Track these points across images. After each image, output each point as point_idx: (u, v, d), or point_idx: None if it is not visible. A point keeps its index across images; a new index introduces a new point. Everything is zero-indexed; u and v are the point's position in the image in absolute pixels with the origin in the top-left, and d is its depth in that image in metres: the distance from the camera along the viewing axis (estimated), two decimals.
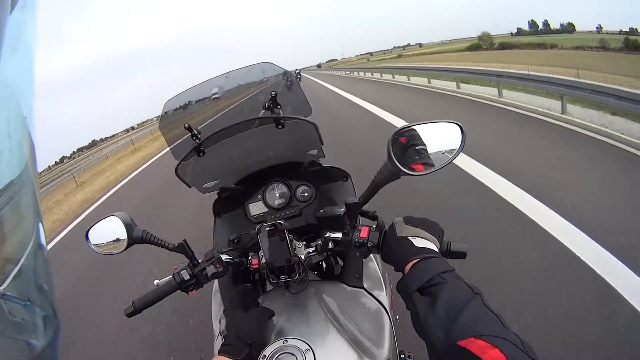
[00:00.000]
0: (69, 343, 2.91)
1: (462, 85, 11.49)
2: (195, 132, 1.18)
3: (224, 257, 1.02)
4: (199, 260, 1.00)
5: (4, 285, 0.30)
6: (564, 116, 6.34)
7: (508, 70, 9.25)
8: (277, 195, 1.31)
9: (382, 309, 1.04)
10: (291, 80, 1.48)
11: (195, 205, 4.63)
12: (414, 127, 0.78)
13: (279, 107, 1.23)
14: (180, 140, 1.25)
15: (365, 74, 27.13)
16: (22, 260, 0.31)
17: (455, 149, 0.78)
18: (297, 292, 1.02)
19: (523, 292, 2.30)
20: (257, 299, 1.00)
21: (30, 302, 0.32)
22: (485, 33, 68.19)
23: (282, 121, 1.16)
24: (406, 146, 0.78)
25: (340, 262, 1.31)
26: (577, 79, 6.85)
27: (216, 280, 1.14)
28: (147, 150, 17.33)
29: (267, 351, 0.83)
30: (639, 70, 11.56)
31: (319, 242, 1.01)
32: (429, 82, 13.78)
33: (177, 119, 1.34)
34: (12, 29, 0.28)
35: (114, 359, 2.71)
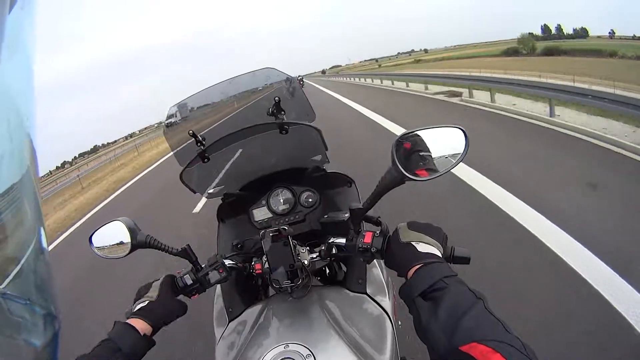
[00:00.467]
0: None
1: (506, 99, 9.09)
2: (200, 138, 1.18)
3: (227, 262, 1.02)
4: (202, 265, 1.00)
5: (5, 285, 0.30)
6: None
7: (590, 88, 6.57)
8: (282, 200, 1.31)
9: (385, 315, 1.03)
10: (295, 86, 1.49)
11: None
12: (418, 133, 0.79)
13: (282, 112, 1.23)
14: (184, 145, 1.26)
15: (373, 81, 25.17)
16: (22, 261, 0.31)
17: (459, 154, 0.79)
18: (299, 297, 1.01)
19: None
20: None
21: (30, 301, 0.32)
22: (524, 35, 57.85)
23: (286, 127, 1.16)
24: (410, 152, 0.78)
25: (344, 268, 1.31)
26: None
27: (219, 285, 1.14)
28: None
29: (268, 356, 0.82)
30: None
31: (323, 248, 1.01)
32: (471, 96, 10.50)
33: (181, 124, 1.35)
34: (11, 30, 0.28)
35: None
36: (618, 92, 6.02)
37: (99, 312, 3.51)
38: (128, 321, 0.85)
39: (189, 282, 0.98)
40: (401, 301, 0.76)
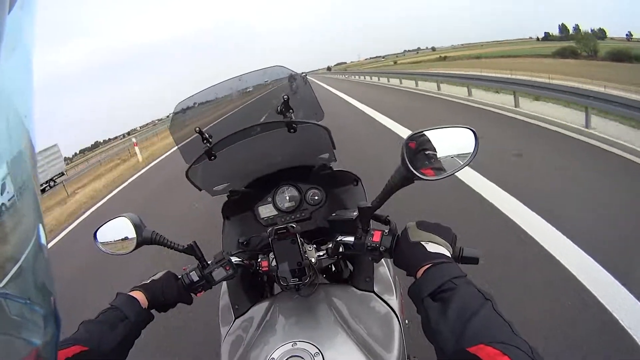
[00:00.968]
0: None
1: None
2: (206, 135, 1.18)
3: (233, 259, 1.02)
4: (208, 262, 1.00)
5: (4, 284, 0.30)
6: None
7: None
8: (287, 198, 1.31)
9: (392, 313, 1.03)
10: (304, 83, 1.48)
11: None
12: (429, 132, 0.78)
13: (291, 110, 1.22)
14: (189, 140, 1.26)
15: (389, 81, 21.13)
16: (22, 259, 0.31)
17: (468, 154, 0.78)
18: (307, 295, 1.01)
19: None
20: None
21: (30, 300, 0.32)
22: (585, 34, 46.95)
23: (294, 125, 1.16)
24: (420, 151, 0.77)
25: (350, 266, 1.30)
26: None
27: (224, 282, 1.13)
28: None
29: (276, 354, 0.82)
30: None
31: (330, 246, 1.01)
32: (514, 105, 8.02)
33: (187, 121, 1.35)
34: (11, 30, 0.28)
35: None
36: None
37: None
38: (130, 293, 0.89)
39: (195, 278, 0.98)
40: (408, 300, 0.76)
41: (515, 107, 8.05)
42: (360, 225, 0.91)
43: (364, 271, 1.10)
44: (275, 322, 0.98)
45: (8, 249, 0.31)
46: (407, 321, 1.11)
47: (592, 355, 1.90)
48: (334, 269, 1.34)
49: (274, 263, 1.00)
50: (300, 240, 0.97)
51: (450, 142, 0.79)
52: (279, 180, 1.32)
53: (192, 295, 1.00)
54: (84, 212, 8.65)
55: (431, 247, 0.77)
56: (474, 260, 0.83)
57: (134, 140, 17.91)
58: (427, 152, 0.77)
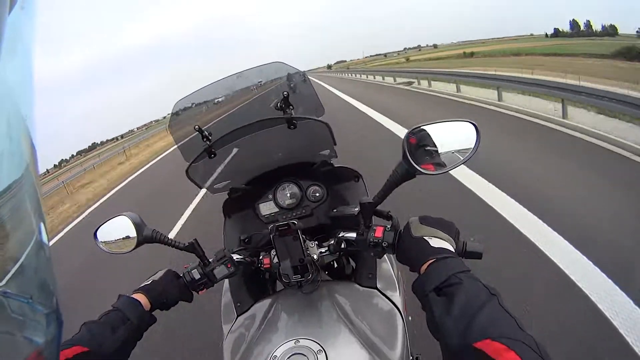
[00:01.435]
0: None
1: None
2: (206, 133, 1.18)
3: (235, 256, 1.02)
4: (210, 260, 1.00)
5: (5, 282, 0.30)
6: None
7: None
8: (288, 195, 1.31)
9: (396, 310, 1.02)
10: (303, 80, 1.48)
11: None
12: (430, 126, 0.78)
13: (291, 107, 1.22)
14: (189, 139, 1.26)
15: (394, 80, 18.52)
16: (23, 258, 0.31)
17: (470, 149, 0.78)
18: (309, 292, 1.01)
19: None
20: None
21: (32, 299, 0.32)
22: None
23: (294, 122, 1.15)
24: (421, 146, 0.77)
25: (352, 262, 1.30)
26: None
27: (226, 280, 1.14)
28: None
29: (279, 351, 0.82)
30: None
31: (332, 242, 1.00)
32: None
33: (187, 119, 1.35)
34: (11, 30, 0.28)
35: None
36: None
37: None
38: (132, 295, 0.89)
39: (197, 276, 0.98)
40: (411, 296, 0.75)
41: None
42: (362, 221, 0.91)
43: (366, 267, 1.10)
44: (277, 320, 0.98)
45: (9, 247, 0.31)
46: (410, 317, 1.11)
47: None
48: (336, 265, 1.34)
49: (275, 260, 1.00)
50: (302, 237, 0.97)
51: (452, 136, 0.79)
52: (280, 177, 1.32)
53: (194, 293, 1.00)
54: None
55: (434, 242, 0.77)
56: (477, 255, 0.82)
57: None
58: (427, 148, 0.77)
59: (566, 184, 3.88)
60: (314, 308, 0.98)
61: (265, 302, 1.07)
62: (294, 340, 0.84)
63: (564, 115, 6.44)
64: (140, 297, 0.89)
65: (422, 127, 0.78)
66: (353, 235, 0.94)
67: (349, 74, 39.65)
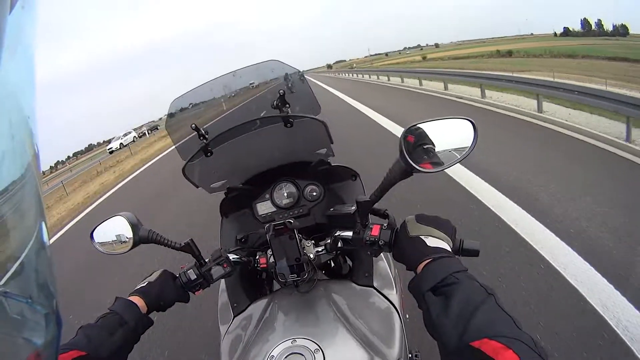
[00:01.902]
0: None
1: None
2: (203, 131, 1.17)
3: (231, 256, 1.01)
4: (206, 260, 1.00)
5: (4, 282, 0.29)
6: None
7: None
8: (285, 194, 1.30)
9: (393, 308, 1.02)
10: (300, 78, 1.47)
11: None
12: (427, 124, 0.78)
13: (287, 105, 1.22)
14: (187, 139, 1.25)
15: (447, 88, 11.56)
16: (23, 258, 0.31)
17: (467, 147, 0.78)
18: (306, 291, 1.01)
19: None
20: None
21: (31, 299, 0.32)
22: None
23: (290, 120, 1.15)
24: (419, 144, 0.77)
25: (349, 261, 1.30)
26: None
27: (223, 280, 1.13)
28: None
29: (276, 351, 0.82)
30: None
31: (328, 241, 1.00)
32: None
33: (183, 118, 1.35)
34: (12, 29, 0.28)
35: None
36: None
37: None
38: (129, 298, 0.89)
39: (193, 277, 0.97)
40: (408, 294, 0.75)
41: None
42: (358, 219, 0.91)
43: (363, 266, 1.10)
44: (274, 319, 0.98)
45: (9, 247, 0.31)
46: (407, 316, 1.11)
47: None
48: (333, 264, 1.33)
49: (272, 259, 1.00)
50: (299, 236, 0.97)
51: (449, 133, 0.79)
52: (277, 177, 1.32)
53: (191, 293, 0.99)
54: None
55: (431, 241, 0.77)
56: (474, 253, 0.82)
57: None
58: (424, 146, 0.76)
59: None
60: (310, 307, 0.97)
61: (262, 302, 1.07)
62: (291, 340, 0.84)
63: None
64: (137, 300, 0.89)
65: (418, 125, 0.77)
66: (349, 234, 0.94)
67: (352, 74, 35.63)
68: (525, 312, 2.15)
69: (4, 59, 0.27)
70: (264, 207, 1.31)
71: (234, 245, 1.20)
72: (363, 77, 28.40)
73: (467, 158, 0.78)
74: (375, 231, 0.88)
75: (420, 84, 14.35)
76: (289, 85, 1.42)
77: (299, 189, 1.30)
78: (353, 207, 0.94)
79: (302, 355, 0.79)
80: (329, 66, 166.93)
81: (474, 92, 10.21)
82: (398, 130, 9.61)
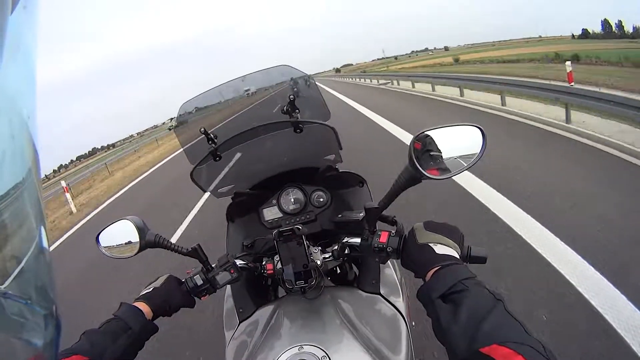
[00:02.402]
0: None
1: None
2: (212, 135, 1.18)
3: (238, 262, 1.01)
4: (212, 265, 0.99)
5: (5, 284, 0.29)
6: None
7: None
8: (292, 200, 1.30)
9: (399, 315, 1.02)
10: (310, 84, 1.47)
11: None
12: (437, 131, 0.77)
13: (297, 111, 1.22)
14: (195, 142, 1.26)
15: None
16: (23, 260, 0.31)
17: (476, 153, 0.77)
18: (312, 298, 1.00)
19: None
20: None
21: (31, 301, 0.32)
22: None
23: (300, 125, 1.15)
24: (428, 150, 0.77)
25: (355, 268, 1.29)
26: None
27: (229, 286, 1.13)
28: None
29: (282, 358, 0.81)
30: None
31: (336, 248, 1.00)
32: None
33: (192, 122, 1.35)
34: (13, 30, 0.28)
35: None
36: None
37: None
38: (134, 304, 0.88)
39: (199, 282, 0.97)
40: (415, 301, 0.75)
41: None
42: (366, 226, 0.90)
43: (370, 273, 1.09)
44: (280, 326, 0.97)
45: (10, 249, 0.31)
46: (413, 323, 1.10)
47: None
48: (339, 271, 1.33)
49: (279, 266, 0.99)
50: (306, 243, 0.96)
51: (458, 140, 0.78)
52: (284, 182, 1.32)
53: (197, 299, 0.99)
54: None
55: (439, 249, 0.76)
56: (481, 260, 0.82)
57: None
58: (432, 153, 0.76)
59: None
60: (317, 314, 0.97)
61: (268, 308, 1.07)
62: (298, 347, 0.83)
63: None
64: (142, 306, 0.88)
65: (427, 132, 0.77)
66: (357, 240, 0.93)
67: (359, 79, 31.88)
68: None
69: (5, 59, 0.27)
70: (270, 213, 1.31)
71: (240, 250, 1.20)
72: (378, 82, 24.34)
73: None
74: (383, 238, 0.87)
75: (462, 94, 10.85)
76: (299, 90, 1.42)
77: (306, 194, 1.30)
78: (361, 214, 0.95)
79: None
80: (337, 70, 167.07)
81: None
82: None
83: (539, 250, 2.76)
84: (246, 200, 1.31)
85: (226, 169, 1.29)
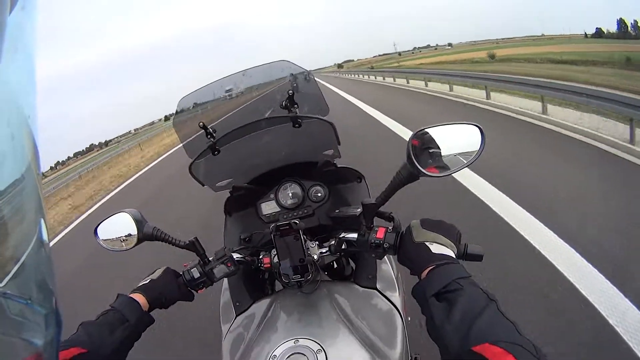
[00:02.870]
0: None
1: None
2: (210, 130, 1.18)
3: (235, 255, 1.02)
4: (210, 259, 1.00)
5: (5, 283, 0.30)
6: None
7: None
8: (290, 195, 1.31)
9: (395, 310, 1.03)
10: (309, 79, 1.47)
11: None
12: (435, 129, 0.77)
13: (295, 106, 1.22)
14: (194, 137, 1.26)
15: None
16: (23, 259, 0.31)
17: (474, 152, 0.77)
18: (309, 292, 1.01)
19: None
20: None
21: (31, 300, 0.32)
22: None
23: (299, 120, 1.15)
24: (426, 148, 0.77)
25: (352, 263, 1.30)
26: None
27: (226, 279, 1.14)
28: None
29: (278, 351, 0.82)
30: None
31: (333, 243, 1.00)
32: None
33: (191, 116, 1.35)
34: (12, 30, 0.28)
35: None
36: None
37: None
38: (131, 295, 0.89)
39: (196, 275, 0.98)
40: (411, 297, 0.76)
41: None
42: (363, 221, 0.91)
43: (366, 268, 1.10)
44: (276, 319, 0.98)
45: (9, 248, 0.31)
46: (409, 318, 1.11)
47: None
48: (336, 266, 1.34)
49: (276, 259, 1.00)
50: (303, 237, 0.97)
51: (456, 138, 0.79)
52: (282, 177, 1.32)
53: (193, 292, 1.00)
54: None
55: (435, 248, 0.77)
56: (478, 258, 0.83)
57: None
58: (431, 150, 0.76)
59: None
60: (313, 308, 0.98)
61: (265, 302, 1.08)
62: (294, 340, 0.84)
63: None
64: (139, 297, 0.89)
65: (426, 130, 0.77)
66: (354, 235, 0.94)
67: (363, 76, 28.31)
68: None
69: (4, 59, 0.27)
70: (268, 207, 1.31)
71: (238, 244, 1.20)
72: (384, 79, 21.89)
73: None
74: (380, 234, 0.88)
75: (486, 96, 9.03)
76: (298, 85, 1.42)
77: (303, 189, 1.30)
78: (359, 209, 0.95)
79: (305, 355, 0.80)
80: (340, 65, 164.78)
81: None
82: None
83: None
84: (244, 195, 1.31)
85: (224, 163, 1.29)
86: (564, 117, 6.50)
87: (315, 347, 0.81)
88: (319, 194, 1.29)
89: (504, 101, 8.63)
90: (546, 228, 2.96)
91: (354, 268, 1.27)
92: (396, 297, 1.07)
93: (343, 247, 0.98)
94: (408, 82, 16.88)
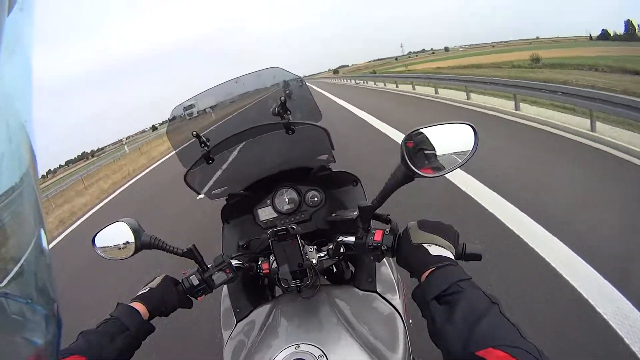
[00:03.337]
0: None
1: None
2: (204, 139, 1.18)
3: (233, 262, 1.01)
4: (208, 266, 1.00)
5: (5, 284, 0.29)
6: None
7: None
8: (287, 200, 1.31)
9: (396, 313, 1.02)
10: (301, 85, 1.48)
11: None
12: (428, 129, 0.78)
13: (288, 112, 1.23)
14: (187, 145, 1.26)
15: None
16: (23, 259, 0.31)
17: (468, 151, 0.77)
18: (309, 297, 1.00)
19: None
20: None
21: (31, 300, 0.32)
22: None
23: (292, 127, 1.16)
24: (420, 148, 0.77)
25: (351, 267, 1.29)
26: None
27: (225, 286, 1.13)
28: None
29: (279, 357, 0.81)
30: None
31: (331, 247, 1.00)
32: None
33: (184, 125, 1.36)
34: (10, 31, 0.28)
35: None
36: None
37: None
38: (131, 304, 0.89)
39: (196, 282, 0.97)
40: (412, 299, 0.75)
41: None
42: (360, 224, 0.91)
43: (365, 271, 1.10)
44: (277, 325, 0.97)
45: (9, 248, 0.31)
46: (410, 321, 1.10)
47: None
48: (335, 270, 1.33)
49: (274, 265, 1.00)
50: (301, 242, 0.97)
51: (450, 138, 0.79)
52: (278, 183, 1.32)
53: (193, 299, 0.99)
54: None
55: (434, 250, 0.76)
56: (477, 257, 0.82)
57: None
58: (425, 151, 0.76)
59: None
60: (313, 313, 0.97)
61: (265, 308, 1.07)
62: (295, 346, 0.83)
63: None
64: (139, 306, 0.89)
65: (420, 130, 0.77)
66: (352, 239, 0.94)
67: (358, 82, 26.42)
68: None
69: (1, 61, 0.27)
70: (265, 213, 1.31)
71: (236, 251, 1.20)
72: (386, 85, 20.52)
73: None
74: (377, 236, 0.87)
75: (514, 107, 7.94)
76: (290, 92, 1.43)
77: (300, 194, 1.30)
78: (355, 213, 0.95)
79: None
80: (335, 71, 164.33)
81: None
82: None
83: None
84: (240, 202, 1.31)
85: (219, 172, 1.29)
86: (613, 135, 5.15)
87: (317, 352, 0.81)
88: (316, 199, 1.30)
89: (535, 113, 7.35)
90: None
91: (353, 272, 1.27)
92: (397, 300, 1.06)
93: (341, 250, 0.98)
94: (414, 89, 15.78)
